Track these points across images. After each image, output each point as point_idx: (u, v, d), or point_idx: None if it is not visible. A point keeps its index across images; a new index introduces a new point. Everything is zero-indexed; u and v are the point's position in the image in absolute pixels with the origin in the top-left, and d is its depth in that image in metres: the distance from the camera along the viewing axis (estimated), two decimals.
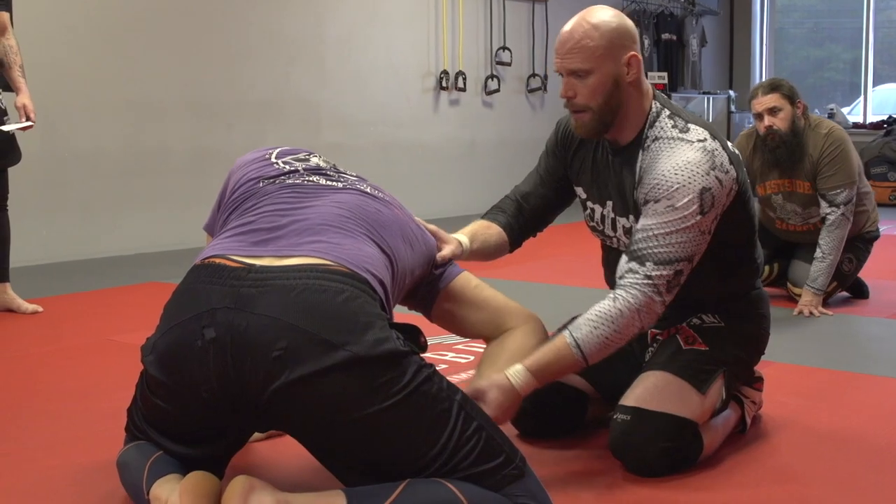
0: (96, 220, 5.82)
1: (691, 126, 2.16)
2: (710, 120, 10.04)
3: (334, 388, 1.66)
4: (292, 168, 2.08)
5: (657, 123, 2.18)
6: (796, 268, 4.16)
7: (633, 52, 2.14)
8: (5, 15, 3.98)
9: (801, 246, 4.18)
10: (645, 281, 2.06)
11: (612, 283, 2.42)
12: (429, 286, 2.15)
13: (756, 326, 2.38)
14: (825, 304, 4.03)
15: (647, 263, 2.06)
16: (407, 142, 7.76)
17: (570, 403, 2.40)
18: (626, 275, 2.08)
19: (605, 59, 2.11)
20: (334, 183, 2.05)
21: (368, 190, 2.06)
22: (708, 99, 10.23)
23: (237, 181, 2.09)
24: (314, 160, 2.18)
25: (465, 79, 8.13)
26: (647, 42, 9.78)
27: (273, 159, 2.13)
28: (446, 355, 3.29)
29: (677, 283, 2.09)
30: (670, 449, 2.15)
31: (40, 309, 4.06)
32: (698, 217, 2.07)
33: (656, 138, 2.16)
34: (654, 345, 2.34)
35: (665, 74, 9.56)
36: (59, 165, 5.59)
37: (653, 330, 2.33)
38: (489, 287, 2.23)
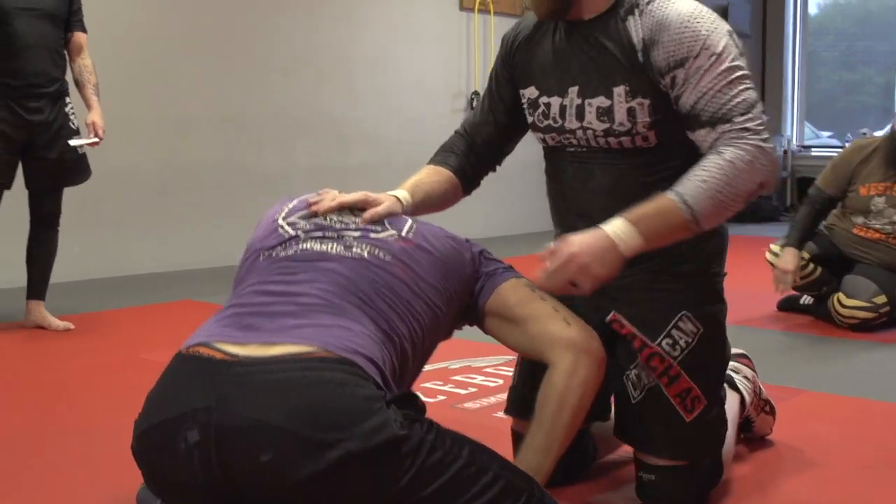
0: (129, 236, 5.86)
1: None
2: None
3: (335, 486, 1.62)
4: (293, 234, 1.98)
5: None
6: (855, 282, 4.10)
7: None
8: (83, 36, 4.12)
9: (861, 262, 4.17)
10: (743, 133, 1.85)
11: (563, 208, 2.20)
12: (471, 305, 2.06)
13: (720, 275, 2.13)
14: (869, 329, 4.00)
15: (735, 118, 1.86)
16: None
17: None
18: (721, 137, 1.87)
19: None
20: (329, 248, 1.93)
21: (366, 254, 1.92)
22: None
23: (248, 247, 2.03)
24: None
25: None
26: None
27: (280, 221, 2.03)
28: (475, 378, 3.28)
29: (767, 127, 1.91)
30: (703, 490, 2.13)
31: (71, 326, 4.08)
32: (742, 59, 1.91)
33: (649, 1, 1.96)
34: (635, 368, 2.05)
35: None
36: (92, 181, 5.58)
37: (623, 324, 2.05)
38: (536, 299, 2.01)
